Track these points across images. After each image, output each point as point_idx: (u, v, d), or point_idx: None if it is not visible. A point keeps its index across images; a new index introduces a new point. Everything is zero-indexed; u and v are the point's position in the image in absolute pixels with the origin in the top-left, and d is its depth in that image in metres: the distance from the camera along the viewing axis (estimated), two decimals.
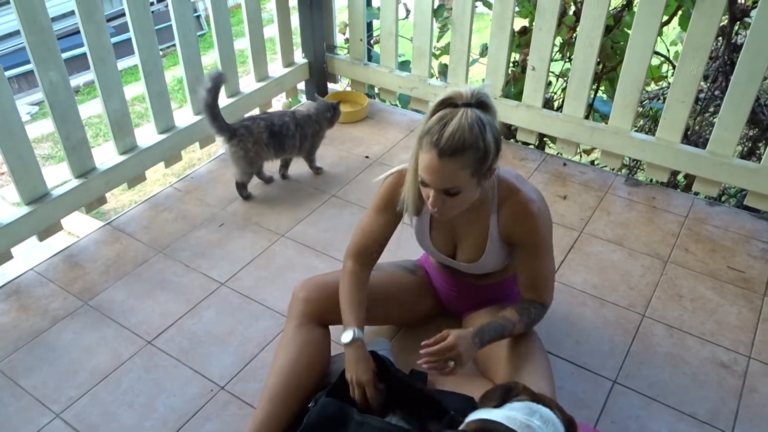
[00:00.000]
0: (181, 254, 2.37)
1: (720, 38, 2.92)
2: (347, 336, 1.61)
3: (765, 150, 2.45)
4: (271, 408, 1.61)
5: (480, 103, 1.39)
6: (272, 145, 2.58)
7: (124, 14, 2.43)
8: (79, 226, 3.48)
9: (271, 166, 2.79)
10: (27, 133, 2.22)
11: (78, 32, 2.28)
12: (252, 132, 2.53)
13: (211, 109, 2.44)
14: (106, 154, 2.61)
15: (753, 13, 2.44)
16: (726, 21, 2.85)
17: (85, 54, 2.33)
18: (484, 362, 1.70)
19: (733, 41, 2.94)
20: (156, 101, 2.65)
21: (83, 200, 2.47)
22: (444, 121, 1.36)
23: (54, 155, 6.32)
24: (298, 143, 2.65)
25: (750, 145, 3.18)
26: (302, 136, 2.64)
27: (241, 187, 2.65)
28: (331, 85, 3.49)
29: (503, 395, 1.30)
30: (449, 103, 1.39)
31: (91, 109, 6.67)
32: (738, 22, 2.89)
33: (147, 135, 2.71)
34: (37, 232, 2.35)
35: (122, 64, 6.96)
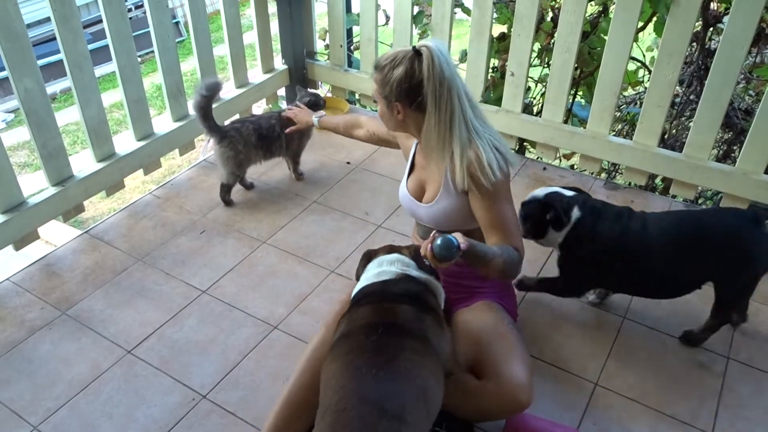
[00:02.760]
0: (162, 262, 2.34)
1: (694, 44, 2.97)
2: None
3: (739, 153, 2.49)
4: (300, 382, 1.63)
5: (419, 51, 1.61)
6: (261, 147, 2.60)
7: (101, 20, 2.41)
8: (56, 235, 3.43)
9: (253, 172, 2.77)
10: (2, 141, 2.19)
11: (54, 39, 2.25)
12: (242, 134, 2.55)
13: (204, 110, 2.47)
14: (83, 162, 2.58)
15: (725, 19, 2.48)
16: (700, 27, 2.90)
17: (61, 61, 2.30)
18: (463, 351, 1.71)
19: (706, 47, 2.99)
20: (134, 108, 2.63)
21: (60, 208, 2.44)
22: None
23: (30, 163, 6.23)
24: (285, 144, 2.66)
25: (725, 148, 3.24)
26: (288, 138, 2.65)
27: (226, 190, 2.64)
28: (311, 91, 3.48)
29: (363, 265, 1.62)
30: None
31: (69, 116, 6.58)
32: (711, 28, 2.94)
33: (125, 142, 2.69)
34: (13, 241, 2.31)
35: (100, 70, 6.89)
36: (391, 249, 1.64)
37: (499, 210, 1.65)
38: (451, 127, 1.63)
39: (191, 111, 2.89)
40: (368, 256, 1.64)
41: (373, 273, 1.56)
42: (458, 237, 1.42)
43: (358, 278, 1.61)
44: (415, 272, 1.54)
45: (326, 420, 1.29)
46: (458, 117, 1.63)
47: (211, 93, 2.45)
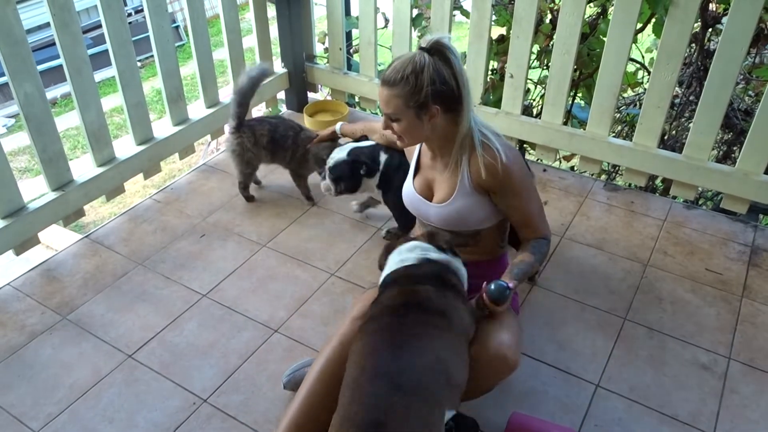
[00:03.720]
0: (162, 266, 2.34)
1: (693, 45, 2.97)
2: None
3: (739, 154, 2.49)
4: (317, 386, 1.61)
5: (434, 50, 1.59)
6: (269, 150, 2.58)
7: (101, 25, 2.41)
8: (56, 240, 3.44)
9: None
10: (2, 146, 2.19)
11: (54, 43, 2.26)
12: (254, 133, 2.54)
13: (243, 93, 2.48)
14: (83, 167, 2.58)
15: (724, 19, 2.48)
16: (698, 28, 2.90)
17: (61, 65, 2.31)
18: None
19: (706, 47, 2.99)
20: (134, 112, 2.63)
21: (61, 213, 2.44)
22: (397, 57, 1.64)
23: (31, 168, 6.24)
24: (288, 158, 2.61)
25: (725, 149, 3.23)
26: (293, 154, 2.58)
27: (242, 187, 2.66)
28: (311, 95, 3.49)
29: (385, 256, 1.68)
30: (420, 46, 1.63)
31: (69, 121, 6.60)
32: (710, 29, 2.94)
33: (125, 146, 2.69)
34: (14, 246, 2.31)
35: (100, 75, 6.91)
36: (407, 239, 1.71)
37: (523, 203, 1.72)
38: (472, 121, 1.67)
39: (191, 115, 2.90)
40: (389, 248, 1.69)
41: (395, 261, 1.62)
42: (507, 280, 1.62)
43: (381, 268, 1.67)
44: (434, 254, 1.61)
45: (343, 399, 1.36)
46: (473, 111, 1.68)
47: (260, 76, 2.50)
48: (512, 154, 1.69)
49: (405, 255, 1.62)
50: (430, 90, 1.59)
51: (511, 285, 1.60)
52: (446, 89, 1.61)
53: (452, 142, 1.69)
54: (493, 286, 1.59)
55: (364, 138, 2.35)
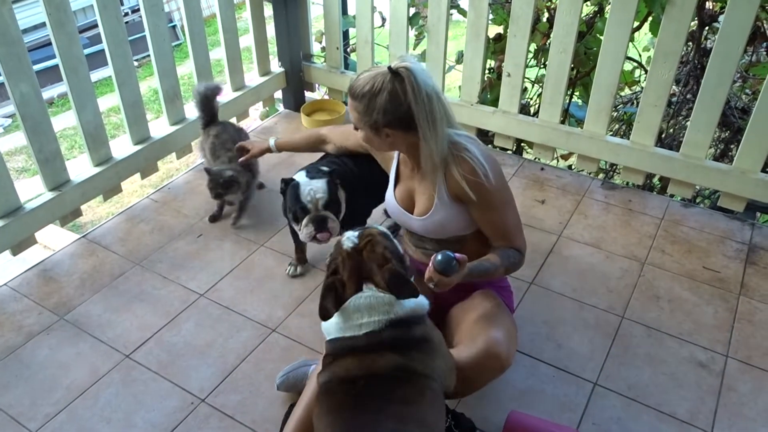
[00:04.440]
0: (159, 266, 2.34)
1: (690, 43, 2.98)
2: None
3: (737, 152, 2.49)
4: None
5: (398, 74, 1.57)
6: (216, 147, 2.50)
7: (97, 25, 2.40)
8: (54, 240, 3.43)
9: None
10: None
11: (51, 43, 2.25)
12: (209, 134, 2.55)
13: (201, 104, 2.54)
14: (80, 166, 2.58)
15: (721, 18, 2.49)
16: (695, 26, 2.90)
17: (58, 65, 2.30)
18: (454, 329, 1.73)
19: (702, 46, 3.00)
20: (131, 112, 2.62)
21: (57, 213, 2.43)
22: (367, 69, 1.65)
23: (28, 168, 6.23)
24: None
25: (722, 147, 3.23)
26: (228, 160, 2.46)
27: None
28: (308, 94, 3.48)
29: (334, 302, 1.43)
30: (389, 65, 1.60)
31: (66, 120, 6.59)
32: (707, 27, 2.94)
33: (122, 146, 2.68)
34: (11, 247, 2.31)
35: (97, 75, 6.89)
36: (358, 275, 1.43)
37: (500, 216, 1.70)
38: (442, 139, 1.64)
39: (188, 114, 2.89)
40: (335, 291, 1.42)
41: (354, 324, 1.39)
42: (457, 255, 1.52)
43: (324, 317, 1.43)
44: (399, 310, 1.39)
45: None
46: (446, 128, 1.65)
47: (211, 94, 2.52)
48: (492, 166, 1.67)
49: (366, 320, 1.37)
50: (383, 114, 1.59)
51: (457, 256, 1.51)
52: (400, 117, 1.60)
53: (428, 156, 1.66)
54: (440, 256, 1.50)
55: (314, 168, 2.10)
